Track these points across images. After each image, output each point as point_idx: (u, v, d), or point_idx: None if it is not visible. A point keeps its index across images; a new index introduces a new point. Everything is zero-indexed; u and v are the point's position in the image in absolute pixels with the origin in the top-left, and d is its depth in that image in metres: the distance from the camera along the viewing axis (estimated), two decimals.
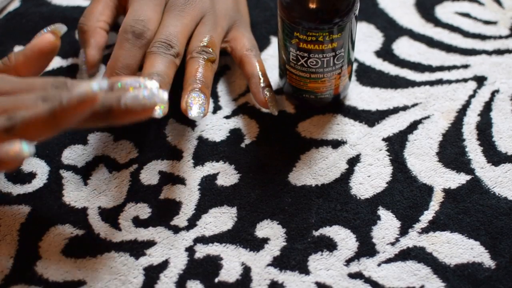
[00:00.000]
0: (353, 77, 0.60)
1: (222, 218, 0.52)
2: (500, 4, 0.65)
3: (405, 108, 0.58)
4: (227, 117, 0.58)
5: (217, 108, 0.58)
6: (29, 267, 0.50)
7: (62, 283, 0.49)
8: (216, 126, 0.57)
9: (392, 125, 0.57)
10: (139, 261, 0.50)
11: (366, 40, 0.63)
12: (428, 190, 0.53)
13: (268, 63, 0.60)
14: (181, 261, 0.50)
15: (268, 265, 0.50)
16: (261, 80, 0.55)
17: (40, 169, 0.55)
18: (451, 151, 0.55)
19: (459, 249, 0.50)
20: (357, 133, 0.57)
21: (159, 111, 0.46)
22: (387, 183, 0.54)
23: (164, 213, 0.52)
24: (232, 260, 0.50)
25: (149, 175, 0.54)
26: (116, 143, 0.56)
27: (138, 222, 0.52)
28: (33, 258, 0.50)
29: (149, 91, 0.45)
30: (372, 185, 0.54)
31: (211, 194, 0.53)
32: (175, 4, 0.54)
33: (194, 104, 0.51)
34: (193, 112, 0.51)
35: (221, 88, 0.60)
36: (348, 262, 0.50)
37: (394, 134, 0.56)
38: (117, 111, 0.44)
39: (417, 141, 0.56)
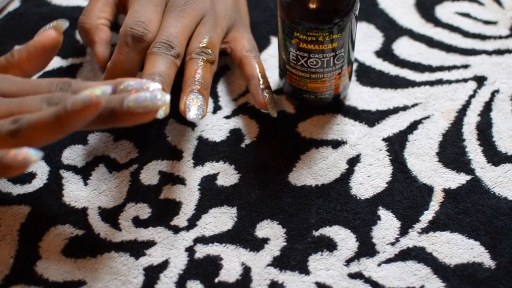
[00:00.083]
0: (353, 77, 0.60)
1: (222, 218, 0.52)
2: (500, 4, 0.65)
3: (405, 108, 0.58)
4: (227, 117, 0.58)
5: (217, 108, 0.58)
6: (29, 267, 0.50)
7: (62, 283, 0.49)
8: (216, 126, 0.57)
9: (392, 125, 0.57)
10: (139, 261, 0.50)
11: (366, 40, 0.63)
12: (428, 190, 0.53)
13: (268, 63, 0.60)
14: (181, 261, 0.50)
15: (268, 265, 0.50)
16: (261, 82, 0.55)
17: (40, 169, 0.55)
18: (451, 151, 0.55)
19: (459, 249, 0.50)
20: (357, 133, 0.57)
21: (161, 112, 0.46)
22: (387, 183, 0.54)
23: (164, 213, 0.52)
24: (232, 260, 0.50)
25: (149, 175, 0.54)
26: (116, 143, 0.56)
27: (138, 222, 0.52)
28: (33, 258, 0.50)
29: (152, 93, 0.45)
30: (372, 185, 0.54)
31: (211, 194, 0.53)
32: (176, 5, 0.54)
33: (193, 105, 0.51)
34: (191, 114, 0.51)
35: (221, 88, 0.60)
36: (348, 262, 0.50)
37: (394, 134, 0.56)
38: (120, 113, 0.44)
39: (417, 141, 0.56)
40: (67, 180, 0.54)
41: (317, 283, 0.49)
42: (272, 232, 0.51)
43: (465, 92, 0.59)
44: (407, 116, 0.57)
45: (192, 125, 0.57)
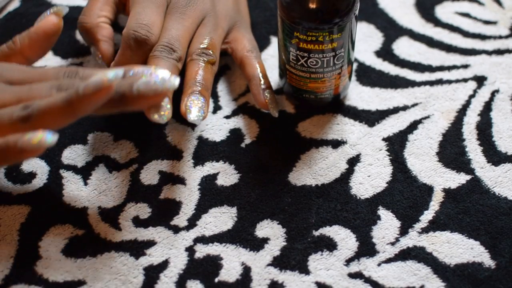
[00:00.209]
0: (353, 77, 0.60)
1: (222, 218, 0.52)
2: (500, 4, 0.65)
3: (405, 108, 0.58)
4: (227, 117, 0.58)
5: (217, 108, 0.58)
6: (29, 267, 0.50)
7: (62, 283, 0.49)
8: (216, 126, 0.57)
9: (392, 125, 0.57)
10: (139, 261, 0.50)
11: (366, 40, 0.63)
12: (428, 190, 0.53)
13: (268, 63, 0.60)
14: (181, 261, 0.50)
15: (268, 265, 0.50)
16: (262, 82, 0.55)
17: (40, 169, 0.55)
18: (451, 151, 0.55)
19: (459, 249, 0.50)
20: (357, 133, 0.57)
21: (164, 117, 0.47)
22: (387, 183, 0.54)
23: (164, 213, 0.52)
24: (232, 260, 0.50)
25: (149, 175, 0.54)
26: (116, 143, 0.56)
27: (138, 222, 0.52)
28: (33, 258, 0.50)
29: (161, 77, 0.46)
30: (372, 185, 0.54)
31: (211, 194, 0.53)
32: (177, 6, 0.54)
33: (193, 107, 0.51)
34: (192, 115, 0.51)
35: (221, 88, 0.60)
36: (348, 262, 0.50)
37: (394, 134, 0.56)
38: (129, 97, 0.46)
39: (417, 141, 0.56)
40: (67, 180, 0.54)
41: (317, 283, 0.49)
42: (272, 232, 0.51)
43: (465, 92, 0.59)
44: (407, 116, 0.58)
45: (192, 125, 0.57)
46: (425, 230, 0.51)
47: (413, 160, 0.55)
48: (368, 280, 0.49)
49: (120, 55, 0.52)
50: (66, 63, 0.61)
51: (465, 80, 0.60)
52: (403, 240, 0.51)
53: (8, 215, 0.52)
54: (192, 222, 0.52)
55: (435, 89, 0.59)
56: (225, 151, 0.56)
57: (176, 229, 0.52)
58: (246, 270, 0.50)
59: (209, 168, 0.55)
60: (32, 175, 0.54)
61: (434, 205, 0.53)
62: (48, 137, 0.44)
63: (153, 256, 0.50)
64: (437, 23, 0.64)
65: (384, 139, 0.56)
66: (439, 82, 0.60)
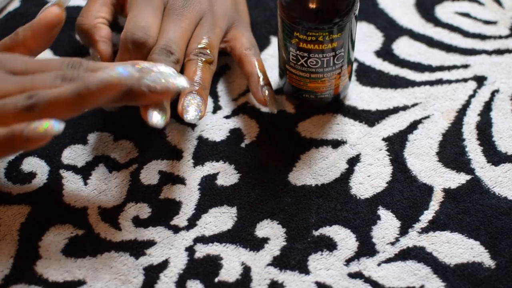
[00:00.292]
0: (353, 77, 0.60)
1: (222, 218, 0.52)
2: (500, 4, 0.65)
3: (405, 108, 0.58)
4: (227, 117, 0.58)
5: (217, 108, 0.58)
6: (29, 266, 0.50)
7: (62, 283, 0.49)
8: (216, 126, 0.57)
9: (392, 125, 0.57)
10: (139, 261, 0.50)
11: (366, 40, 0.63)
12: (428, 190, 0.53)
13: (268, 63, 0.60)
14: (181, 260, 0.50)
15: (268, 264, 0.50)
16: (261, 79, 0.55)
17: (40, 169, 0.55)
18: (451, 151, 0.55)
19: (459, 248, 0.50)
20: (357, 133, 0.57)
21: (161, 121, 0.47)
22: (387, 183, 0.54)
23: (164, 213, 0.52)
24: (232, 260, 0.50)
25: (149, 175, 0.54)
26: (116, 143, 0.56)
27: (138, 222, 0.52)
28: (33, 258, 0.50)
29: (167, 74, 0.47)
30: (372, 185, 0.54)
31: (211, 194, 0.53)
32: (174, 8, 0.54)
33: (190, 106, 0.51)
34: (189, 115, 0.51)
35: (221, 88, 0.60)
36: (348, 262, 0.50)
37: (394, 134, 0.56)
38: (137, 92, 0.46)
39: (417, 141, 0.56)
40: (67, 180, 0.54)
41: (317, 283, 0.49)
42: (272, 231, 0.51)
43: (465, 92, 0.59)
44: (407, 116, 0.58)
45: (192, 125, 0.57)
46: (425, 230, 0.51)
47: (413, 160, 0.55)
48: (368, 280, 0.49)
49: (118, 58, 0.52)
50: None
51: (465, 80, 0.60)
52: (403, 240, 0.51)
53: (8, 215, 0.52)
54: (192, 222, 0.52)
55: (435, 89, 0.59)
56: (225, 151, 0.56)
57: (176, 229, 0.52)
58: (246, 270, 0.50)
59: (209, 168, 0.55)
60: (32, 175, 0.54)
61: (434, 205, 0.53)
62: (55, 126, 0.44)
63: (153, 256, 0.50)
64: (437, 23, 0.64)
65: (384, 139, 0.56)
66: (439, 82, 0.60)
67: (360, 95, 0.59)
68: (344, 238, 0.51)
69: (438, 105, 0.58)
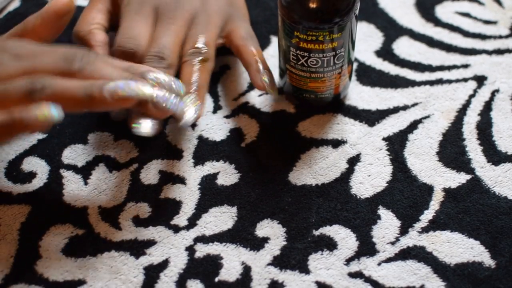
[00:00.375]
0: (353, 77, 0.60)
1: (222, 218, 0.52)
2: (500, 3, 0.65)
3: (405, 107, 0.58)
4: (227, 116, 0.58)
5: (217, 107, 0.58)
6: (30, 266, 0.50)
7: (62, 283, 0.49)
8: (216, 126, 0.57)
9: (392, 125, 0.57)
10: (139, 260, 0.50)
11: (366, 40, 0.63)
12: (428, 190, 0.53)
13: (268, 63, 0.60)
14: (181, 260, 0.50)
15: (268, 264, 0.50)
16: (260, 66, 0.55)
17: (41, 168, 0.55)
18: (451, 151, 0.55)
19: (459, 248, 0.50)
20: (357, 133, 0.57)
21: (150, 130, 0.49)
22: (387, 182, 0.54)
23: (164, 213, 0.52)
24: (232, 259, 0.50)
25: (149, 174, 0.54)
26: (116, 143, 0.56)
27: (138, 222, 0.52)
28: (34, 258, 0.50)
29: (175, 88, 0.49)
30: (372, 184, 0.54)
31: (211, 194, 0.53)
32: (165, 13, 0.54)
33: (188, 109, 0.51)
34: (186, 117, 0.50)
35: (221, 88, 0.60)
36: (348, 261, 0.50)
37: (394, 134, 0.57)
38: (145, 105, 0.47)
39: (417, 140, 0.56)
40: (68, 180, 0.54)
41: (317, 282, 0.49)
42: (272, 231, 0.52)
43: (465, 92, 0.59)
44: (407, 115, 0.58)
45: (192, 124, 0.57)
46: (425, 230, 0.51)
47: (413, 159, 0.55)
48: (368, 279, 0.49)
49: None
50: None
51: (465, 80, 0.60)
52: (403, 239, 0.51)
53: (9, 215, 0.52)
54: (192, 222, 0.52)
55: (435, 88, 0.59)
56: (225, 151, 0.56)
57: (176, 229, 0.52)
58: (246, 270, 0.50)
59: (209, 167, 0.55)
60: (32, 175, 0.54)
61: (434, 204, 0.53)
62: (53, 113, 0.44)
63: (153, 256, 0.50)
64: (437, 23, 0.64)
65: (384, 139, 0.56)
66: (439, 81, 0.60)
67: (360, 95, 0.59)
68: (344, 237, 0.51)
69: (438, 105, 0.58)
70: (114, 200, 0.53)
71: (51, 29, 0.50)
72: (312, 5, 0.50)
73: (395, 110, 0.58)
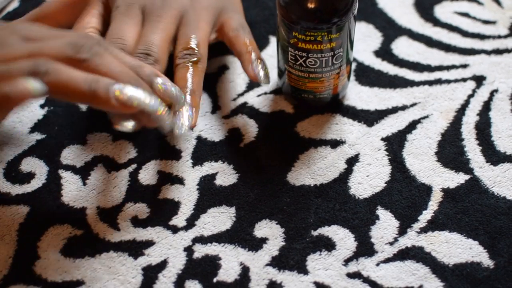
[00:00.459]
0: (352, 77, 0.60)
1: (220, 218, 0.52)
2: (499, 3, 0.65)
3: (404, 107, 0.58)
4: (226, 117, 0.58)
5: (216, 108, 0.58)
6: (28, 267, 0.50)
7: (60, 283, 0.49)
8: (215, 126, 0.57)
9: (391, 125, 0.57)
10: (137, 261, 0.50)
11: (365, 40, 0.63)
12: (427, 190, 0.53)
13: (267, 63, 0.60)
14: (180, 261, 0.50)
15: (267, 265, 0.50)
16: (252, 56, 0.54)
17: (39, 169, 0.55)
18: (450, 151, 0.55)
19: (457, 248, 0.50)
20: (356, 133, 0.57)
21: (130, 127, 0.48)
22: (385, 182, 0.54)
23: (162, 213, 0.52)
24: (231, 260, 0.50)
25: (148, 175, 0.54)
26: (115, 143, 0.56)
27: (136, 222, 0.52)
28: (32, 258, 0.50)
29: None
30: (371, 184, 0.54)
31: (209, 194, 0.53)
32: (152, 11, 0.53)
33: (180, 118, 0.50)
34: (181, 129, 0.50)
35: (220, 88, 0.60)
36: (347, 262, 0.50)
37: (393, 134, 0.56)
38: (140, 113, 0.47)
39: (416, 140, 0.56)
40: (66, 180, 0.54)
41: (315, 283, 0.49)
42: (270, 231, 0.51)
43: (464, 92, 0.59)
44: (406, 115, 0.57)
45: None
46: (423, 230, 0.51)
47: (412, 160, 0.55)
48: (366, 280, 0.49)
49: None
50: None
51: (464, 80, 0.60)
52: (401, 240, 0.51)
53: (7, 215, 0.52)
54: (190, 222, 0.52)
55: (434, 88, 0.59)
56: (224, 151, 0.56)
57: (174, 229, 0.52)
58: (245, 270, 0.50)
59: (207, 168, 0.55)
60: (31, 175, 0.54)
61: (433, 205, 0.53)
62: (34, 86, 0.42)
63: (151, 256, 0.50)
64: (436, 22, 0.64)
65: (383, 139, 0.56)
66: (438, 81, 0.60)
67: (359, 95, 0.59)
68: (343, 238, 0.51)
69: (437, 105, 0.58)
70: (113, 200, 0.53)
71: (68, 15, 0.50)
72: (311, 5, 0.50)
73: (394, 110, 0.58)
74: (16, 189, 0.54)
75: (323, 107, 0.58)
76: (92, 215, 0.52)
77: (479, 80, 0.60)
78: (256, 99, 0.59)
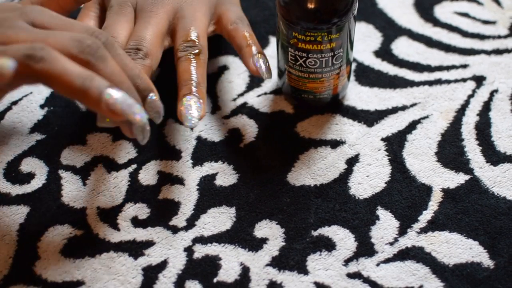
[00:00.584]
0: (352, 77, 0.60)
1: (220, 218, 0.52)
2: (499, 3, 0.65)
3: (404, 108, 0.58)
4: (226, 117, 0.58)
5: (216, 108, 0.58)
6: (28, 267, 0.50)
7: (60, 283, 0.49)
8: (215, 126, 0.57)
9: (391, 125, 0.57)
10: (137, 261, 0.50)
11: (364, 40, 0.63)
12: (427, 190, 0.53)
13: None
14: (180, 261, 0.50)
15: (267, 265, 0.50)
16: (252, 49, 0.54)
17: (39, 169, 0.55)
18: (450, 151, 0.55)
19: (458, 249, 0.50)
20: (356, 133, 0.57)
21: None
22: (386, 183, 0.54)
23: (162, 213, 0.52)
24: (231, 260, 0.50)
25: (148, 175, 0.54)
26: (115, 143, 0.56)
27: (136, 222, 0.52)
28: (32, 258, 0.50)
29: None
30: (371, 185, 0.54)
31: (209, 194, 0.53)
32: (143, 8, 0.53)
33: (189, 111, 0.50)
34: (190, 121, 0.50)
35: (219, 88, 0.60)
36: (347, 262, 0.50)
37: (393, 134, 0.56)
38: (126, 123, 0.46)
39: (416, 141, 0.56)
40: (66, 180, 0.54)
41: (315, 283, 0.49)
42: (270, 232, 0.51)
43: (464, 92, 0.59)
44: (406, 116, 0.58)
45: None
46: (423, 230, 0.51)
47: (412, 160, 0.55)
48: (366, 280, 0.49)
49: None
50: None
51: (464, 80, 0.60)
52: (401, 240, 0.51)
53: (7, 216, 0.52)
54: (190, 222, 0.52)
55: (434, 89, 0.59)
56: (224, 151, 0.56)
57: (174, 229, 0.52)
58: (245, 270, 0.50)
59: (207, 168, 0.55)
60: (31, 176, 0.54)
61: (433, 205, 0.53)
62: (6, 64, 0.41)
63: (151, 257, 0.50)
64: (436, 23, 0.64)
65: (383, 139, 0.56)
66: (438, 82, 0.60)
67: (359, 95, 0.59)
68: (343, 238, 0.51)
69: (437, 105, 0.58)
70: (113, 201, 0.53)
71: (70, 2, 0.50)
72: (311, 6, 0.50)
73: (394, 110, 0.58)
74: (16, 189, 0.54)
75: (323, 107, 0.58)
76: (92, 215, 0.52)
77: (479, 80, 0.60)
78: (256, 99, 0.59)
